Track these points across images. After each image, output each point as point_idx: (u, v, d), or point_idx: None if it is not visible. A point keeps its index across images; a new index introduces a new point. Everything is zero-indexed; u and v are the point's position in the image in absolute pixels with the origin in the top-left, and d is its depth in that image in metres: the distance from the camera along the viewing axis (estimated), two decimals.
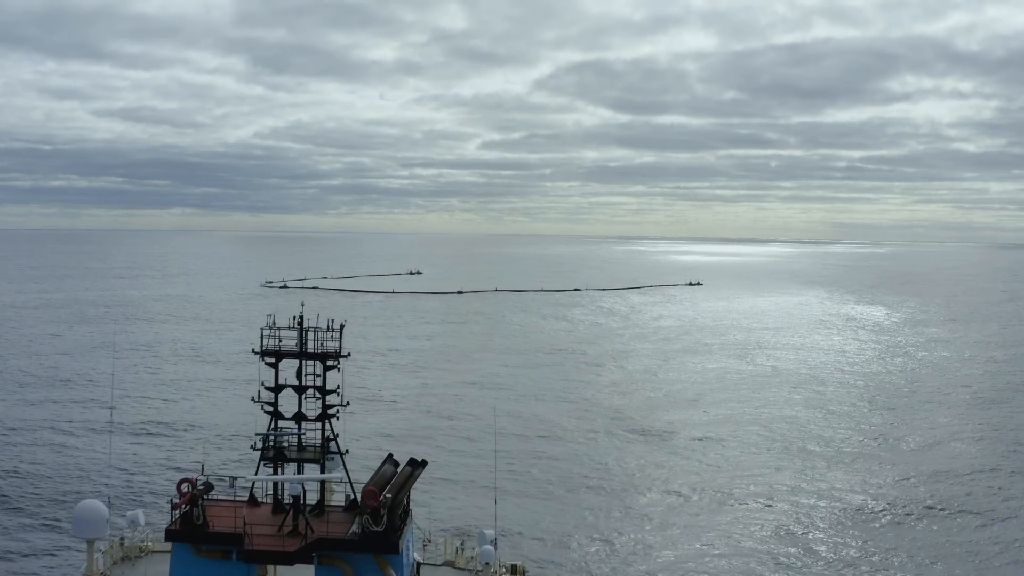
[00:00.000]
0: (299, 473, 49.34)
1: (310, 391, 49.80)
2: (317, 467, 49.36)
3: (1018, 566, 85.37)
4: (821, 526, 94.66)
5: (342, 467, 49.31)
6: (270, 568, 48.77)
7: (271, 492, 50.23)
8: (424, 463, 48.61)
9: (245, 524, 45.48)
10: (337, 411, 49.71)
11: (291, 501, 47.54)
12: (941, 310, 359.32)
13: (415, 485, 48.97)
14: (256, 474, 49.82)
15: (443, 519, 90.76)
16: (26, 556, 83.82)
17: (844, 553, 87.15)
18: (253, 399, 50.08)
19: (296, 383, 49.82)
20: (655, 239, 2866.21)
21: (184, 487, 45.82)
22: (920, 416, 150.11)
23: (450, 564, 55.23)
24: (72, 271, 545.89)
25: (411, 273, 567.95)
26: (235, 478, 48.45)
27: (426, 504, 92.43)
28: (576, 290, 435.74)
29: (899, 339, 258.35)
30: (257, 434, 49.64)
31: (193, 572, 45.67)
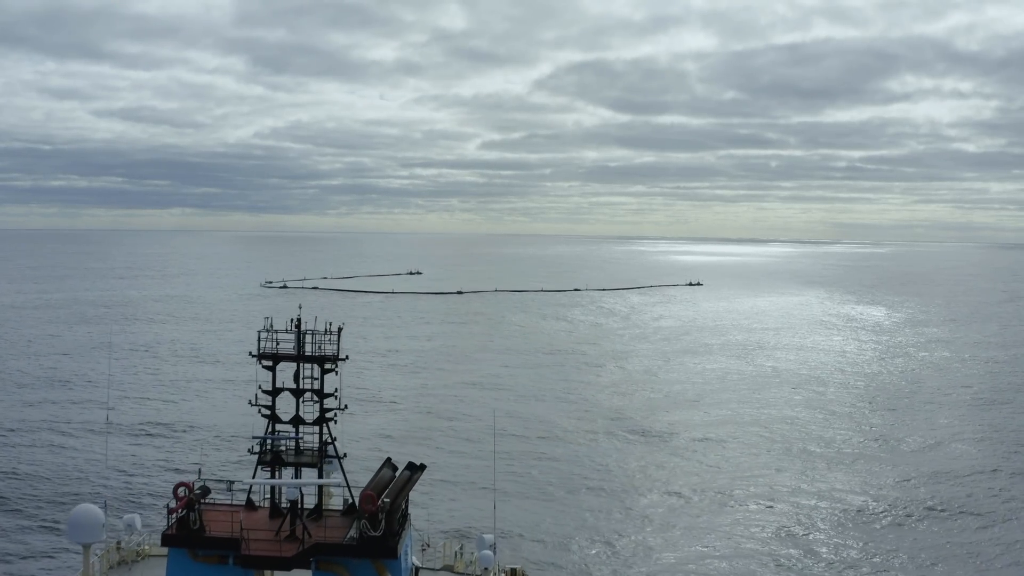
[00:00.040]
0: (297, 477, 49.00)
1: (308, 394, 49.44)
2: (315, 471, 49.00)
3: (1019, 568, 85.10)
4: (822, 527, 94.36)
5: (340, 471, 48.96)
6: (267, 573, 48.42)
7: (268, 496, 49.90)
8: (423, 467, 48.28)
9: (242, 529, 45.14)
10: (335, 415, 49.34)
11: (289, 505, 47.20)
12: (941, 310, 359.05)
13: (414, 488, 48.66)
14: (253, 478, 49.47)
15: (442, 521, 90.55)
16: (24, 558, 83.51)
17: (845, 554, 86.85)
18: (250, 402, 49.71)
19: (294, 386, 49.47)
20: (655, 239, 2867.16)
21: (180, 491, 45.46)
22: (920, 417, 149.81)
23: (449, 568, 54.91)
24: (72, 271, 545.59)
25: (411, 273, 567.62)
26: (232, 482, 48.02)
27: (425, 505, 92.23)
28: (576, 290, 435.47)
29: (899, 339, 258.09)
30: (254, 437, 49.27)
31: None
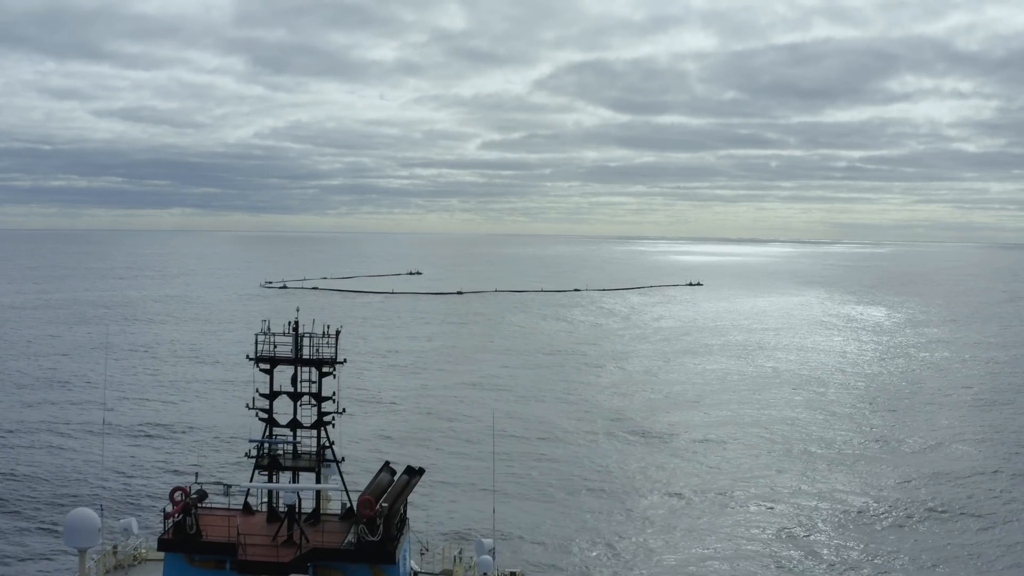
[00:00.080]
0: (294, 481, 48.72)
1: (305, 398, 49.18)
2: (313, 475, 48.74)
3: (1021, 570, 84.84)
4: (823, 528, 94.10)
5: (338, 475, 48.69)
6: None
7: (266, 500, 49.62)
8: (421, 471, 48.02)
9: (239, 533, 44.87)
10: (333, 418, 49.07)
11: (286, 510, 46.93)
12: (941, 311, 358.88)
13: (412, 491, 48.36)
14: (251, 482, 49.20)
15: (442, 523, 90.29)
16: (23, 560, 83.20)
17: (846, 555, 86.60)
18: (248, 406, 49.45)
19: (291, 390, 49.20)
20: (655, 239, 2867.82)
21: (177, 496, 45.21)
22: (921, 418, 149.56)
23: (448, 573, 54.65)
24: (72, 271, 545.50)
25: (411, 273, 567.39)
26: (229, 486, 47.81)
27: (425, 507, 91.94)
28: (576, 290, 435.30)
29: (899, 340, 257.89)
30: (251, 441, 49.01)
31: None
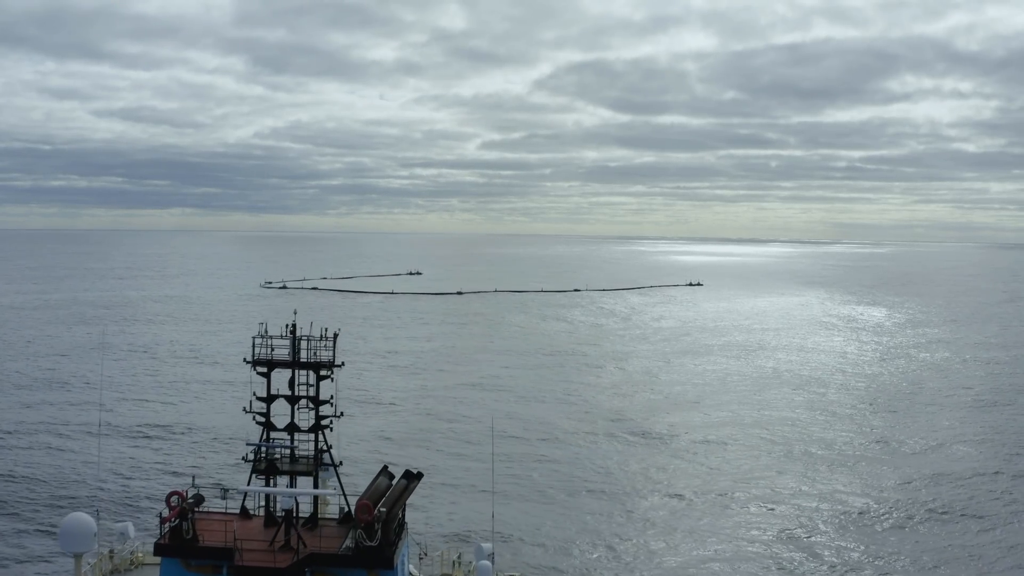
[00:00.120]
0: (292, 485, 48.36)
1: (303, 401, 48.83)
2: (310, 479, 48.39)
3: (1022, 571, 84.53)
4: (824, 529, 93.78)
5: (336, 479, 48.34)
6: None
7: (263, 504, 49.27)
8: (420, 475, 47.65)
9: (236, 538, 44.54)
10: (331, 422, 48.72)
11: (283, 514, 46.58)
12: (941, 311, 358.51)
13: (411, 495, 48.00)
14: (248, 485, 48.84)
15: (441, 525, 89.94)
16: (21, 562, 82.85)
17: (847, 556, 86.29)
18: (245, 409, 49.10)
19: (289, 393, 48.85)
20: (655, 239, 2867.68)
21: (173, 500, 44.86)
22: (922, 418, 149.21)
23: None
24: (71, 271, 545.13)
25: (411, 273, 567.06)
26: (227, 490, 47.45)
27: (424, 509, 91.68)
28: (576, 291, 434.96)
29: (900, 340, 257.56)
30: (248, 444, 48.66)
31: None
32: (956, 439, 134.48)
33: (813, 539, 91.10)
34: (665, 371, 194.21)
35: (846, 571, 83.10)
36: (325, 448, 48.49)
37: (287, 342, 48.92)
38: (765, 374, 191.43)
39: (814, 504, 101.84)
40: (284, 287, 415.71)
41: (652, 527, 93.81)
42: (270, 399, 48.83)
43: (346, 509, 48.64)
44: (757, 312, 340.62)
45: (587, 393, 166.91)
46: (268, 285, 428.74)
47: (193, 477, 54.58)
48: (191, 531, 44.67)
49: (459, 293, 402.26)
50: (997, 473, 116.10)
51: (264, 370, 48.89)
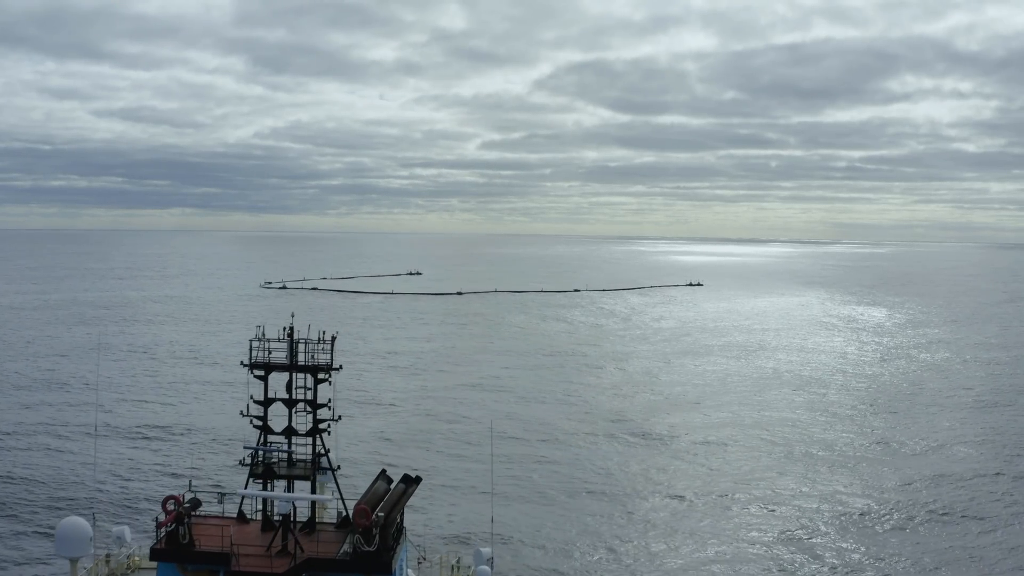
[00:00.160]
0: (289, 490, 47.99)
1: (300, 405, 48.47)
2: (308, 484, 48.03)
3: (1022, 572, 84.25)
4: (825, 531, 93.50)
5: (334, 483, 47.99)
6: None
7: (260, 509, 48.92)
8: (418, 479, 47.32)
9: (232, 543, 44.20)
10: (329, 426, 48.36)
11: (281, 519, 46.24)
12: (942, 311, 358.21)
13: (409, 500, 47.67)
14: (245, 489, 48.47)
15: (440, 527, 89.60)
16: (19, 564, 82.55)
17: (848, 558, 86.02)
18: (242, 413, 48.74)
19: (286, 396, 48.48)
20: (655, 239, 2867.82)
21: (170, 505, 44.51)
22: (922, 419, 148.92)
23: None
24: (71, 272, 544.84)
25: (411, 274, 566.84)
26: (224, 494, 47.08)
27: (424, 511, 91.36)
28: (576, 291, 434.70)
29: (900, 341, 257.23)
30: (246, 448, 48.31)
31: None
32: (957, 440, 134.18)
33: (814, 540, 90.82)
34: (665, 372, 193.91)
35: (847, 572, 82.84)
36: (323, 452, 48.13)
37: (284, 345, 48.56)
38: (765, 375, 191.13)
39: (815, 505, 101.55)
40: (284, 287, 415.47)
41: (653, 529, 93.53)
42: (267, 402, 48.45)
43: (344, 513, 48.30)
44: (757, 312, 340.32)
45: (587, 394, 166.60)
46: (268, 285, 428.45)
47: (190, 481, 54.22)
48: (187, 536, 44.33)
49: (459, 293, 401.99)
50: (998, 474, 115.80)
51: (261, 373, 48.52)
